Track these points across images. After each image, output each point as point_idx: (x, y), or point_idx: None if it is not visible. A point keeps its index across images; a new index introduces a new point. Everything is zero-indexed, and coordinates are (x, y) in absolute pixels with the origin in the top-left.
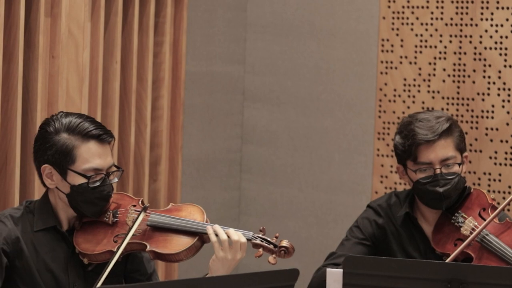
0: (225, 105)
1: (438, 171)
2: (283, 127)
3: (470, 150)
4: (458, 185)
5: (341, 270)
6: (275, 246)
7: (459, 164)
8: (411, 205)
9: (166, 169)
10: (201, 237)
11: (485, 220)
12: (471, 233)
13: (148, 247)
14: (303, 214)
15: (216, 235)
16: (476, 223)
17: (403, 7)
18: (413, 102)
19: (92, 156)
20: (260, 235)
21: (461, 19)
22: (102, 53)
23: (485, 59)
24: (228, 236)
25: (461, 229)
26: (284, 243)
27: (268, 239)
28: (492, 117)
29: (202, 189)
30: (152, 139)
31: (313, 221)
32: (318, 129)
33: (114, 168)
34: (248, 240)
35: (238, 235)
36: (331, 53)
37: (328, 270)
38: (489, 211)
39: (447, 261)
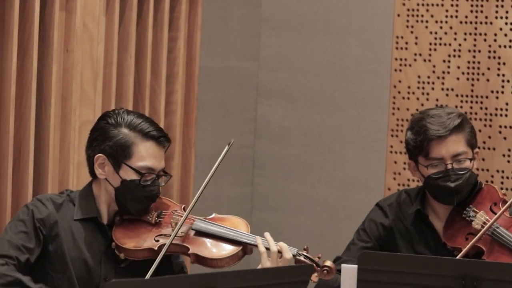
0: (238, 100)
1: (449, 166)
2: (297, 124)
3: (484, 148)
4: (469, 180)
5: (356, 266)
6: (317, 265)
7: (470, 160)
8: (422, 202)
9: (179, 164)
10: (245, 248)
11: (496, 214)
12: (482, 227)
13: (190, 249)
14: (316, 210)
15: (267, 248)
16: (487, 217)
17: (418, 4)
18: (427, 99)
19: (148, 156)
20: (304, 253)
21: (476, 17)
22: (116, 47)
23: (499, 57)
24: (279, 250)
25: (473, 223)
26: (328, 263)
27: (312, 258)
28: (506, 115)
29: (214, 185)
30: None
31: (326, 217)
32: (331, 125)
33: (162, 173)
34: (293, 256)
35: (287, 252)
36: (345, 50)
37: (343, 266)
38: (500, 205)
39: (459, 256)
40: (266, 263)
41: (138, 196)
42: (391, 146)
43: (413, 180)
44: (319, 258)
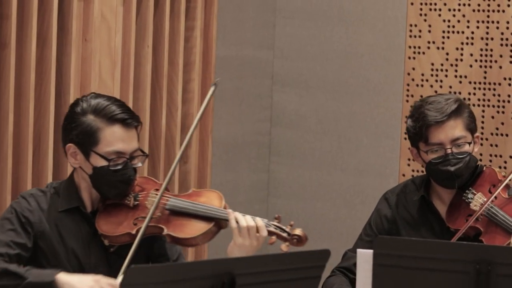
0: (254, 89)
1: (449, 151)
2: (312, 111)
3: (497, 134)
4: (469, 164)
5: (371, 251)
6: (288, 234)
7: (470, 144)
8: (427, 189)
9: (196, 152)
10: (218, 223)
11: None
12: (479, 208)
13: (165, 230)
14: (332, 196)
15: (237, 222)
16: (485, 199)
17: None
18: (441, 86)
19: (115, 140)
20: (274, 223)
21: (488, 5)
22: (134, 37)
23: (511, 45)
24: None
25: (470, 204)
26: (297, 231)
27: (283, 227)
28: None
29: (231, 172)
30: (182, 122)
31: (341, 203)
32: (346, 113)
33: (139, 152)
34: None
35: (255, 222)
36: (359, 38)
37: (359, 250)
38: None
39: (455, 236)
40: (238, 239)
41: (111, 181)
42: (405, 133)
43: None
44: (291, 226)
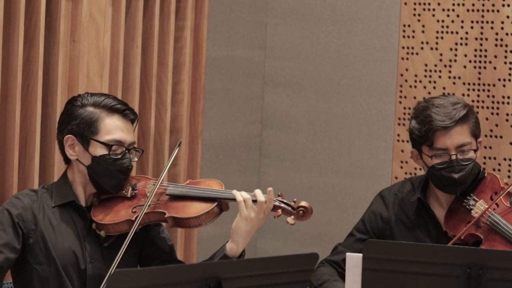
0: (245, 90)
1: (453, 157)
2: (303, 112)
3: (491, 136)
4: (473, 171)
5: (361, 254)
6: (293, 208)
7: (475, 151)
8: (424, 191)
9: (185, 154)
10: (220, 204)
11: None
12: (479, 215)
13: (166, 214)
14: (323, 199)
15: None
16: (486, 206)
17: None
18: (434, 88)
19: (115, 129)
20: (279, 199)
21: (483, 5)
22: (123, 37)
23: (506, 45)
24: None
25: (472, 211)
26: (302, 203)
27: (286, 201)
28: None
29: (221, 174)
30: (172, 123)
31: (333, 206)
32: (338, 114)
33: (133, 148)
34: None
35: (263, 196)
36: (352, 38)
37: (348, 254)
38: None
39: (452, 240)
40: (243, 211)
41: (110, 170)
42: (398, 135)
43: (420, 169)
44: (294, 202)
